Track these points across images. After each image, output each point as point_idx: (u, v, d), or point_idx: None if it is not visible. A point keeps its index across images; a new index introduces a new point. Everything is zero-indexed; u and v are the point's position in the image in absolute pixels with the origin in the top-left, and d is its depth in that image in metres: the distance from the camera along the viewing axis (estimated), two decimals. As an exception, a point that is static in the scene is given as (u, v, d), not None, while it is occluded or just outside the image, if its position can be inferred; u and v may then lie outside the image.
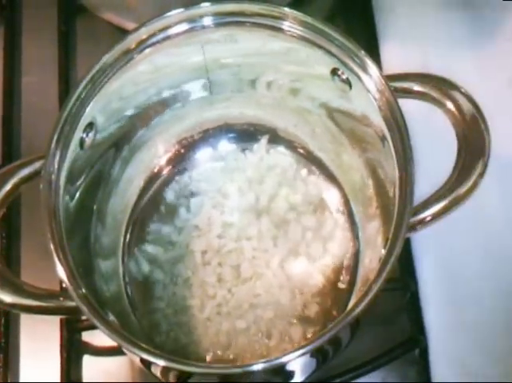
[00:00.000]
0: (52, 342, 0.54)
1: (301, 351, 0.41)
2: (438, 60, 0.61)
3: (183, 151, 0.58)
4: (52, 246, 0.44)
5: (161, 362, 0.41)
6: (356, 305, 0.41)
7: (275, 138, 0.58)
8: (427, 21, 0.63)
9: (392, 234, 0.43)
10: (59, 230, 0.44)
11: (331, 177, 0.57)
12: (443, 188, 0.46)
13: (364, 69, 0.47)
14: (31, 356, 0.56)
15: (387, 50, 0.62)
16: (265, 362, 0.41)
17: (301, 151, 0.58)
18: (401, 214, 0.43)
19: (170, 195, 0.57)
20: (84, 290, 0.43)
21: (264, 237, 0.55)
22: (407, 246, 0.55)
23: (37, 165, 0.47)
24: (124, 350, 0.44)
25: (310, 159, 0.57)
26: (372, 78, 0.47)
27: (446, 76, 0.48)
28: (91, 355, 0.56)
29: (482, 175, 0.46)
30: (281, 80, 0.54)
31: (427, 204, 0.45)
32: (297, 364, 0.44)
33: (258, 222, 0.56)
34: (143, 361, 0.44)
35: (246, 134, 0.58)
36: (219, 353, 0.52)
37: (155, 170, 0.58)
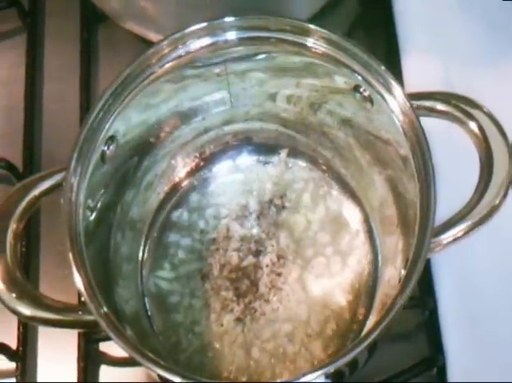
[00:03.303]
0: (69, 352, 0.54)
1: (316, 373, 0.40)
2: (460, 74, 0.61)
3: (203, 163, 0.58)
4: (71, 259, 0.44)
5: (176, 379, 0.41)
6: (373, 329, 0.41)
7: (296, 152, 0.58)
8: (449, 36, 0.63)
9: (412, 258, 0.43)
10: (79, 243, 0.45)
11: (351, 193, 0.56)
12: (465, 209, 0.45)
13: (388, 88, 0.47)
14: (48, 365, 0.56)
15: (408, 64, 0.61)
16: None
17: (322, 165, 0.57)
18: (422, 237, 0.43)
19: (189, 207, 0.57)
20: (102, 303, 0.43)
21: (283, 251, 0.55)
22: (426, 264, 0.54)
23: (57, 177, 0.47)
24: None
25: (330, 174, 0.57)
26: (395, 98, 0.46)
27: (468, 91, 0.48)
28: (108, 365, 0.56)
29: (504, 196, 0.45)
30: (301, 94, 0.54)
31: (448, 226, 0.45)
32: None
33: (277, 236, 0.55)
34: (160, 376, 0.44)
35: (267, 147, 0.58)
36: (237, 367, 0.52)
37: (175, 182, 0.58)
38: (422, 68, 0.61)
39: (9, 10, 0.66)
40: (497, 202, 0.45)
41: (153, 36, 0.60)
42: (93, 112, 0.47)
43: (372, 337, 0.41)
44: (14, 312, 0.45)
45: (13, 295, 0.44)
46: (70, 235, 0.44)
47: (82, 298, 0.43)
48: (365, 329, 0.52)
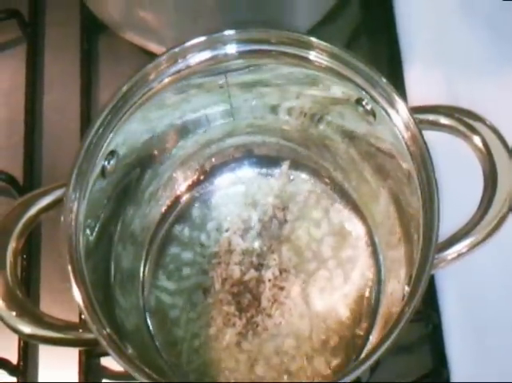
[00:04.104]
0: (70, 367, 0.54)
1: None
2: (463, 80, 0.60)
3: (204, 176, 0.58)
4: (71, 277, 0.43)
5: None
6: (377, 346, 0.41)
7: (297, 165, 0.57)
8: (452, 41, 0.62)
9: (416, 274, 0.42)
10: (79, 260, 0.44)
11: (354, 206, 0.56)
12: (469, 225, 0.45)
13: (391, 102, 0.46)
14: (49, 380, 0.55)
15: (411, 73, 0.61)
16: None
17: (324, 178, 0.57)
18: (425, 253, 0.42)
19: (190, 220, 0.57)
20: (103, 321, 0.43)
21: (285, 265, 0.54)
22: (430, 278, 0.54)
23: (58, 193, 0.47)
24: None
25: (333, 186, 0.57)
26: (398, 112, 0.46)
27: (471, 97, 0.47)
28: (109, 379, 0.55)
29: (509, 211, 0.45)
30: (303, 106, 0.54)
31: (452, 241, 0.45)
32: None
33: (279, 249, 0.55)
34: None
35: (268, 160, 0.58)
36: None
37: (177, 195, 0.57)
38: (425, 75, 0.60)
39: (10, 21, 0.66)
40: (502, 217, 0.45)
41: (153, 46, 0.60)
42: (93, 128, 0.46)
43: (377, 355, 0.41)
44: (14, 330, 0.44)
45: (13, 313, 0.44)
46: (70, 254, 0.43)
47: (82, 316, 0.43)
48: (368, 344, 0.52)
